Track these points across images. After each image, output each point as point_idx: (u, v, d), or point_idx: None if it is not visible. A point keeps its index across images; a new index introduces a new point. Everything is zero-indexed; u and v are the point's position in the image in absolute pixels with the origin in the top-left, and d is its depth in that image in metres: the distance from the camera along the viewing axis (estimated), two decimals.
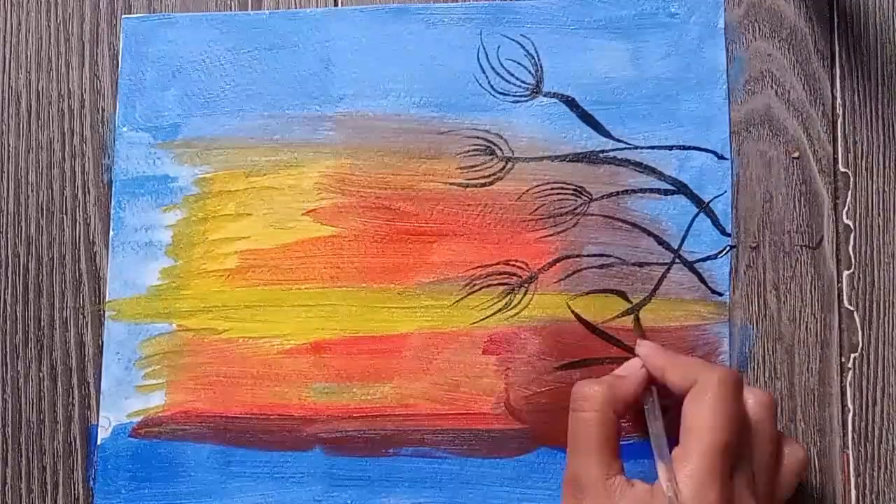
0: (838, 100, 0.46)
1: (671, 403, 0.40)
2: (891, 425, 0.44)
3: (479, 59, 0.47)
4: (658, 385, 0.41)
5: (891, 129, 0.46)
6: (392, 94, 0.48)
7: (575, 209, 0.46)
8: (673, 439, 0.38)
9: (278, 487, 0.46)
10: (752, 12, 0.47)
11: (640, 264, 0.45)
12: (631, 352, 0.45)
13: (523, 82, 0.47)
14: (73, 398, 0.48)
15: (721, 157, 0.46)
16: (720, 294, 0.45)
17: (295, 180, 0.48)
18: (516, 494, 0.44)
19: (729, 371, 0.38)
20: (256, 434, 0.46)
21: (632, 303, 0.45)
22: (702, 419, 0.35)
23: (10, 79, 0.50)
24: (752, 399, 0.38)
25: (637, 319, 0.45)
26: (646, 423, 0.40)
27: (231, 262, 0.47)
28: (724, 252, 0.45)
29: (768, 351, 0.45)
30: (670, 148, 0.46)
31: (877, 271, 0.45)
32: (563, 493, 0.39)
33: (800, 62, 0.46)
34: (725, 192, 0.46)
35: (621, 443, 0.39)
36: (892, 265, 0.45)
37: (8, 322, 0.49)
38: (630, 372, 0.41)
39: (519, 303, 0.46)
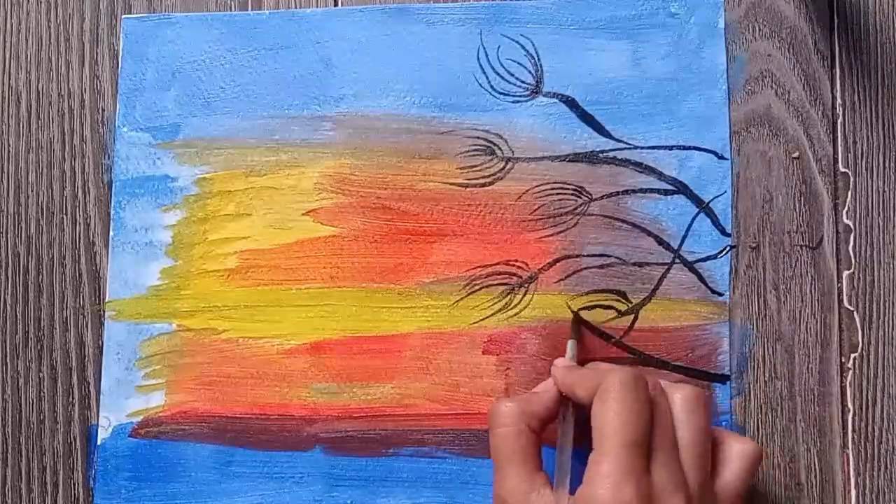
0: (838, 100, 0.46)
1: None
2: (891, 425, 0.44)
3: (479, 59, 0.47)
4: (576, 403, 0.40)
5: (891, 129, 0.46)
6: (392, 94, 0.48)
7: (575, 209, 0.46)
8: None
9: (278, 487, 0.46)
10: (752, 12, 0.47)
11: (640, 264, 0.45)
12: (632, 353, 0.45)
13: (523, 82, 0.47)
14: (73, 398, 0.48)
15: (721, 157, 0.46)
16: (720, 294, 0.45)
17: (295, 180, 0.48)
18: None
19: (629, 370, 0.38)
20: (256, 434, 0.46)
21: (632, 303, 0.45)
22: (606, 419, 0.36)
23: (10, 79, 0.50)
24: (679, 395, 0.38)
25: (575, 319, 0.45)
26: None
27: (231, 262, 0.47)
28: (724, 252, 0.45)
29: (768, 351, 0.45)
30: (670, 148, 0.46)
31: (877, 271, 0.45)
32: None
33: (800, 62, 0.46)
34: (725, 192, 0.46)
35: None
36: (892, 265, 0.45)
37: (8, 322, 0.49)
38: (544, 389, 0.42)
39: (519, 303, 0.46)
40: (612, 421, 0.36)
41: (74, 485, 0.47)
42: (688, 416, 0.38)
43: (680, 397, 0.38)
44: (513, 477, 0.38)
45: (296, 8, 0.49)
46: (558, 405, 0.41)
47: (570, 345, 0.44)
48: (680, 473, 0.36)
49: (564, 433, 0.40)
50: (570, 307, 0.45)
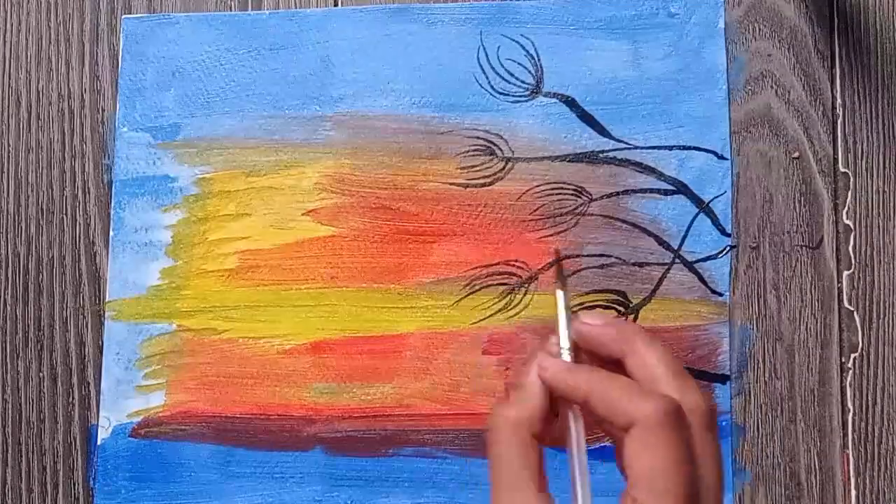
0: (838, 100, 0.46)
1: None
2: (891, 425, 0.44)
3: (479, 59, 0.47)
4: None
5: (891, 129, 0.46)
6: (392, 94, 0.48)
7: (575, 209, 0.46)
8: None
9: (278, 487, 0.46)
10: (752, 12, 0.47)
11: (640, 264, 0.45)
12: None
13: (523, 82, 0.47)
14: (73, 398, 0.48)
15: (721, 157, 0.46)
16: (720, 294, 0.45)
17: (295, 180, 0.48)
18: None
19: (668, 403, 0.31)
20: (256, 434, 0.46)
21: (632, 303, 0.45)
22: (655, 470, 0.30)
23: (10, 79, 0.50)
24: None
25: (560, 266, 0.35)
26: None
27: (231, 262, 0.47)
28: (724, 252, 0.45)
29: (768, 351, 0.45)
30: (670, 148, 0.46)
31: (877, 271, 0.45)
32: None
33: (800, 62, 0.46)
34: (725, 192, 0.46)
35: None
36: (892, 265, 0.45)
37: (8, 322, 0.49)
38: (531, 382, 0.33)
39: (519, 303, 0.46)
40: (661, 473, 0.30)
41: (74, 485, 0.47)
42: (707, 440, 0.32)
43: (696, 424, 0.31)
44: (516, 501, 0.31)
45: (296, 8, 0.49)
46: (549, 397, 0.33)
47: (561, 296, 0.33)
48: None
49: (576, 451, 0.32)
50: (556, 252, 0.42)
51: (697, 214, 0.46)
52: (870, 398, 0.44)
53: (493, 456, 0.32)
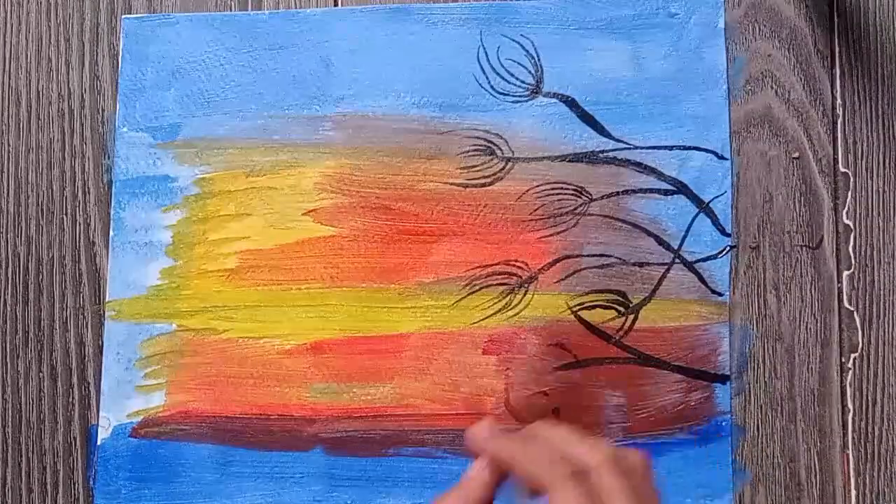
0: (838, 100, 0.46)
1: None
2: (891, 425, 0.44)
3: (479, 59, 0.47)
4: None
5: (891, 129, 0.46)
6: (392, 94, 0.48)
7: (575, 209, 0.46)
8: None
9: (278, 487, 0.46)
10: (752, 12, 0.47)
11: (640, 264, 0.45)
12: (633, 352, 0.45)
13: (523, 82, 0.47)
14: (73, 398, 0.48)
15: (721, 157, 0.46)
16: (720, 294, 0.45)
17: (295, 180, 0.48)
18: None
19: (610, 450, 0.32)
20: (256, 434, 0.46)
21: (632, 303, 0.45)
22: None
23: (10, 79, 0.50)
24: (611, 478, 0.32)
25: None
26: None
27: (231, 262, 0.47)
28: (724, 252, 0.45)
29: (768, 351, 0.45)
30: (670, 148, 0.46)
31: (877, 271, 0.45)
32: None
33: (800, 62, 0.46)
34: (725, 192, 0.46)
35: None
36: (892, 265, 0.45)
37: (8, 322, 0.49)
38: (475, 471, 0.34)
39: (519, 303, 0.46)
40: None
41: (74, 485, 0.47)
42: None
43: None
44: None
45: (296, 8, 0.49)
46: (494, 486, 0.34)
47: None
48: None
49: None
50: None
51: (697, 214, 0.46)
52: (870, 398, 0.44)
53: None
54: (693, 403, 0.44)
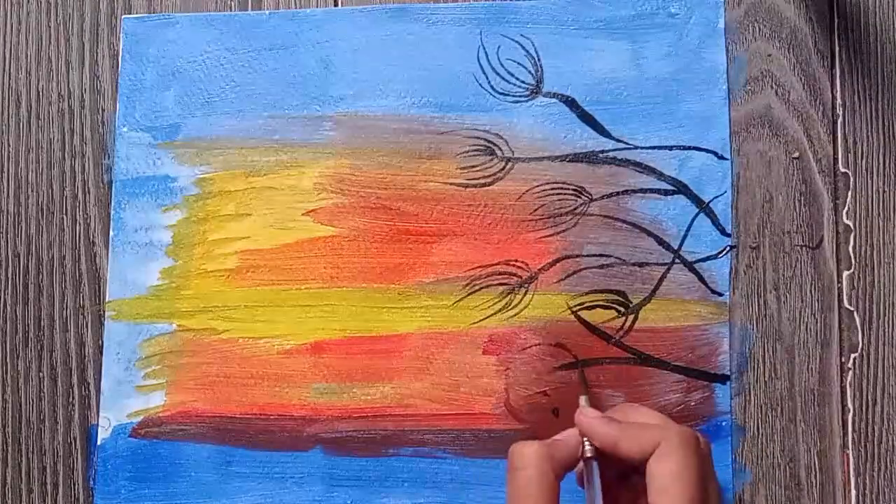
0: (838, 100, 0.46)
1: (627, 469, 0.39)
2: (891, 425, 0.44)
3: (479, 59, 0.47)
4: (606, 454, 0.39)
5: (891, 129, 0.46)
6: (392, 94, 0.48)
7: (575, 209, 0.46)
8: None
9: (278, 487, 0.46)
10: (752, 12, 0.47)
11: (640, 264, 0.45)
12: (632, 353, 0.45)
13: (523, 82, 0.47)
14: (73, 398, 0.48)
15: (721, 157, 0.46)
16: (720, 294, 0.45)
17: (295, 180, 0.48)
18: None
19: (688, 430, 0.38)
20: (256, 434, 0.46)
21: (632, 303, 0.45)
22: (675, 479, 0.36)
23: (10, 79, 0.50)
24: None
25: (583, 373, 0.44)
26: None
27: (231, 262, 0.47)
28: (724, 252, 0.45)
29: (768, 351, 0.45)
30: (670, 148, 0.46)
31: (877, 271, 0.45)
32: None
33: (800, 62, 0.46)
34: (725, 192, 0.46)
35: None
36: (892, 265, 0.45)
37: (8, 322, 0.49)
38: (567, 436, 0.40)
39: (519, 303, 0.46)
40: (679, 481, 0.36)
41: (74, 485, 0.47)
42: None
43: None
44: None
45: (296, 8, 0.49)
46: (575, 459, 0.39)
47: (584, 401, 0.42)
48: None
49: (593, 497, 0.38)
50: (577, 362, 0.45)
51: (697, 214, 0.46)
52: (870, 398, 0.44)
53: (516, 478, 0.38)
54: (693, 403, 0.44)
